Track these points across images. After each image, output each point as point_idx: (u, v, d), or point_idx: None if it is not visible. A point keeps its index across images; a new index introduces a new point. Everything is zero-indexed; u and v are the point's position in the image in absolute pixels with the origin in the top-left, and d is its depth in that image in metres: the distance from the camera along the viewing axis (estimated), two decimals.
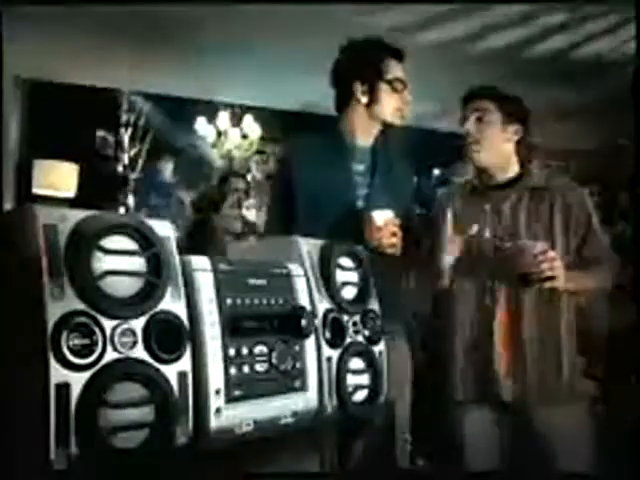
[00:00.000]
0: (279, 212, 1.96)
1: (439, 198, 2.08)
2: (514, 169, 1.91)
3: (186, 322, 1.06)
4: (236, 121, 6.40)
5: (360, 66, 1.95)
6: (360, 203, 1.88)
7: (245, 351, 1.16)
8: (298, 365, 1.25)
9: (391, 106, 1.94)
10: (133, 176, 5.79)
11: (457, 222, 1.86)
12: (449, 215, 1.88)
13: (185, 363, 1.04)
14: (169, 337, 1.02)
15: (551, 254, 1.67)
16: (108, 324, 0.96)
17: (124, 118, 6.03)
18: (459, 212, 1.90)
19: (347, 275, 1.44)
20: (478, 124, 1.86)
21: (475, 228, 1.85)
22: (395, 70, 1.94)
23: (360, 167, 1.94)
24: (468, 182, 1.97)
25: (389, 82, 1.93)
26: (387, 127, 1.99)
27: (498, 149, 1.88)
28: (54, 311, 0.91)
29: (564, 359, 1.82)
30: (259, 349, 1.18)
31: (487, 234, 1.85)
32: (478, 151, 1.86)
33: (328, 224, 1.72)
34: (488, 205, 1.88)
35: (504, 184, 1.89)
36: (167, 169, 5.97)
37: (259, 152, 5.50)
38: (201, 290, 1.12)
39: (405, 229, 1.82)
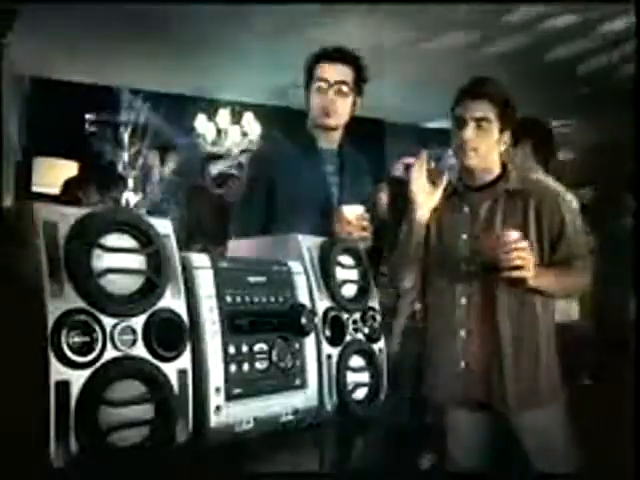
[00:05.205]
0: (256, 211, 1.98)
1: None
2: (495, 171, 1.89)
3: (186, 320, 1.06)
4: (236, 119, 6.39)
5: (304, 74, 2.03)
6: (333, 201, 1.96)
7: (245, 349, 1.16)
8: (298, 363, 1.25)
9: (316, 106, 1.99)
10: (133, 174, 5.79)
11: (436, 225, 1.87)
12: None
13: (185, 361, 1.04)
14: (169, 335, 1.02)
15: (522, 244, 1.66)
16: (108, 322, 0.96)
17: (124, 116, 6.02)
18: (435, 217, 1.89)
19: (347, 273, 1.44)
20: (477, 131, 1.81)
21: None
22: (321, 71, 1.98)
23: (330, 168, 2.02)
24: (449, 185, 1.95)
25: (316, 83, 1.98)
26: (346, 131, 2.05)
27: (491, 156, 1.86)
28: (54, 309, 0.91)
29: (542, 359, 1.82)
30: (259, 347, 1.18)
31: (464, 236, 1.85)
32: (473, 157, 1.82)
33: (304, 222, 1.75)
34: (467, 208, 1.87)
35: (483, 186, 1.88)
36: (167, 167, 5.95)
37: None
38: (201, 288, 1.12)
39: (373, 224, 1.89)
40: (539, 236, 1.81)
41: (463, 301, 1.82)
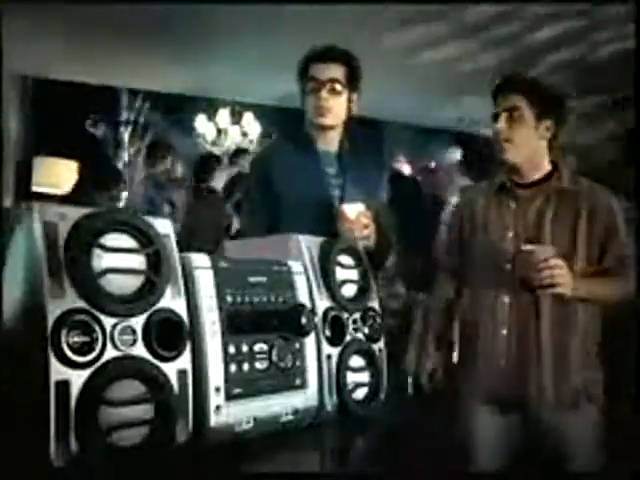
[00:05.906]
0: (257, 212, 1.99)
1: (459, 202, 2.00)
2: (545, 167, 1.86)
3: (186, 320, 1.06)
4: (236, 119, 6.39)
5: (298, 76, 2.01)
6: (335, 203, 1.93)
7: (245, 349, 1.16)
8: (298, 363, 1.25)
9: (311, 107, 1.97)
10: (133, 174, 5.79)
11: (478, 222, 1.85)
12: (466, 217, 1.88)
13: (185, 361, 1.04)
14: (169, 335, 1.02)
15: (554, 261, 1.64)
16: (108, 322, 0.96)
17: (124, 116, 6.02)
18: (481, 212, 1.88)
19: (347, 273, 1.44)
20: (509, 122, 1.81)
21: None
22: (312, 71, 1.96)
23: (331, 170, 2.00)
24: (495, 181, 1.93)
25: (308, 84, 1.96)
26: (346, 131, 2.03)
27: (530, 147, 1.83)
28: (54, 309, 0.91)
29: (576, 362, 1.81)
30: (259, 347, 1.18)
31: (510, 233, 1.83)
32: (509, 150, 1.82)
33: (306, 224, 1.70)
34: (514, 204, 1.85)
35: (533, 183, 1.86)
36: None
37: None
38: (201, 288, 1.12)
39: (377, 224, 1.85)
40: (589, 239, 1.78)
41: (506, 299, 1.81)
